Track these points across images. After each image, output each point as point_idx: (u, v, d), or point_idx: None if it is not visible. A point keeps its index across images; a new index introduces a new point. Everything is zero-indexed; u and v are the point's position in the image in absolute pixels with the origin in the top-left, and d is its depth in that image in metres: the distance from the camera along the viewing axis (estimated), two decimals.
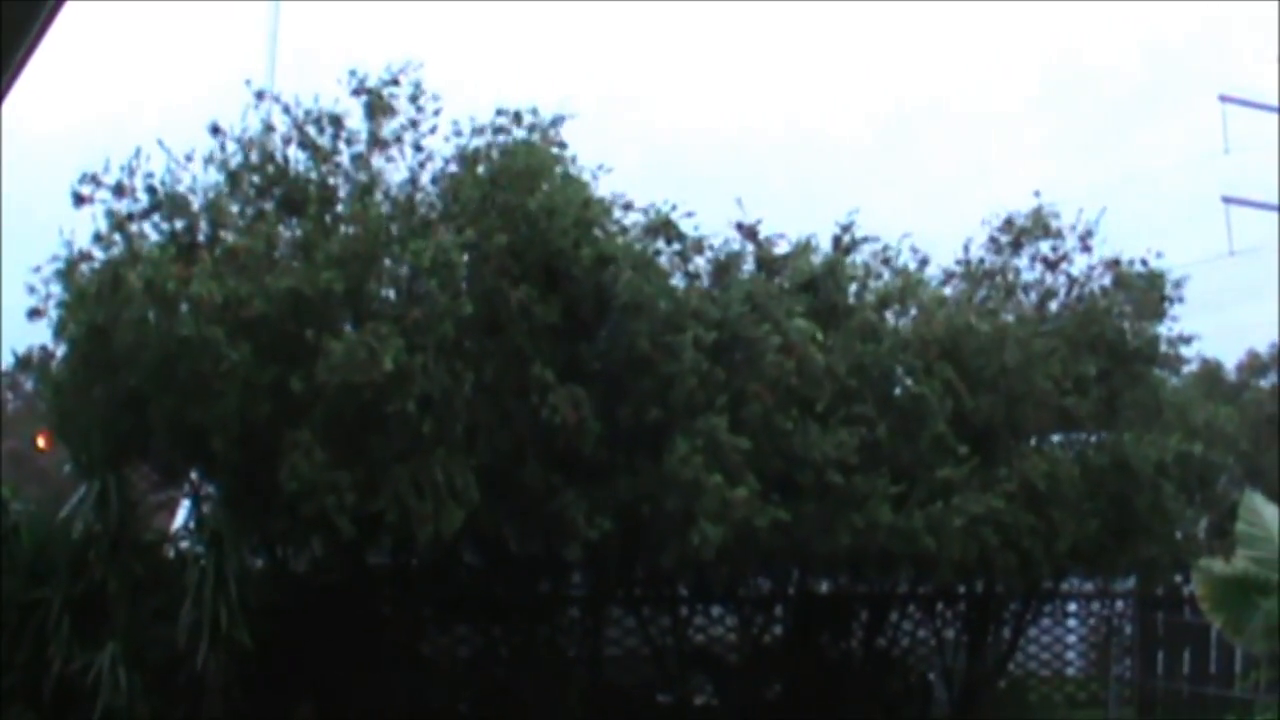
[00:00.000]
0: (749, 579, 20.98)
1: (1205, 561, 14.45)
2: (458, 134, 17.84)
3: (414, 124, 17.68)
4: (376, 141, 17.63)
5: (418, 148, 17.77)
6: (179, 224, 17.25)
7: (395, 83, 17.59)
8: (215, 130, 17.46)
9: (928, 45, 47.77)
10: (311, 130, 17.58)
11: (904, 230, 20.48)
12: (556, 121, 17.78)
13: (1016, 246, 21.33)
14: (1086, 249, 21.25)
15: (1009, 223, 21.31)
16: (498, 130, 17.76)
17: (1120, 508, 20.39)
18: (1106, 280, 21.25)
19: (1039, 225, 21.20)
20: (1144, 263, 21.11)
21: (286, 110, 17.63)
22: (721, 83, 49.61)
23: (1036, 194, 21.27)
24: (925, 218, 24.14)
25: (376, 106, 17.59)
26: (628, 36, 46.57)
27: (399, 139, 17.74)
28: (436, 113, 17.73)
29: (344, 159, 17.69)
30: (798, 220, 19.98)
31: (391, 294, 16.91)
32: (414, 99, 17.65)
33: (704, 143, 46.57)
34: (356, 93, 17.59)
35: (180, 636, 16.23)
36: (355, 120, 17.70)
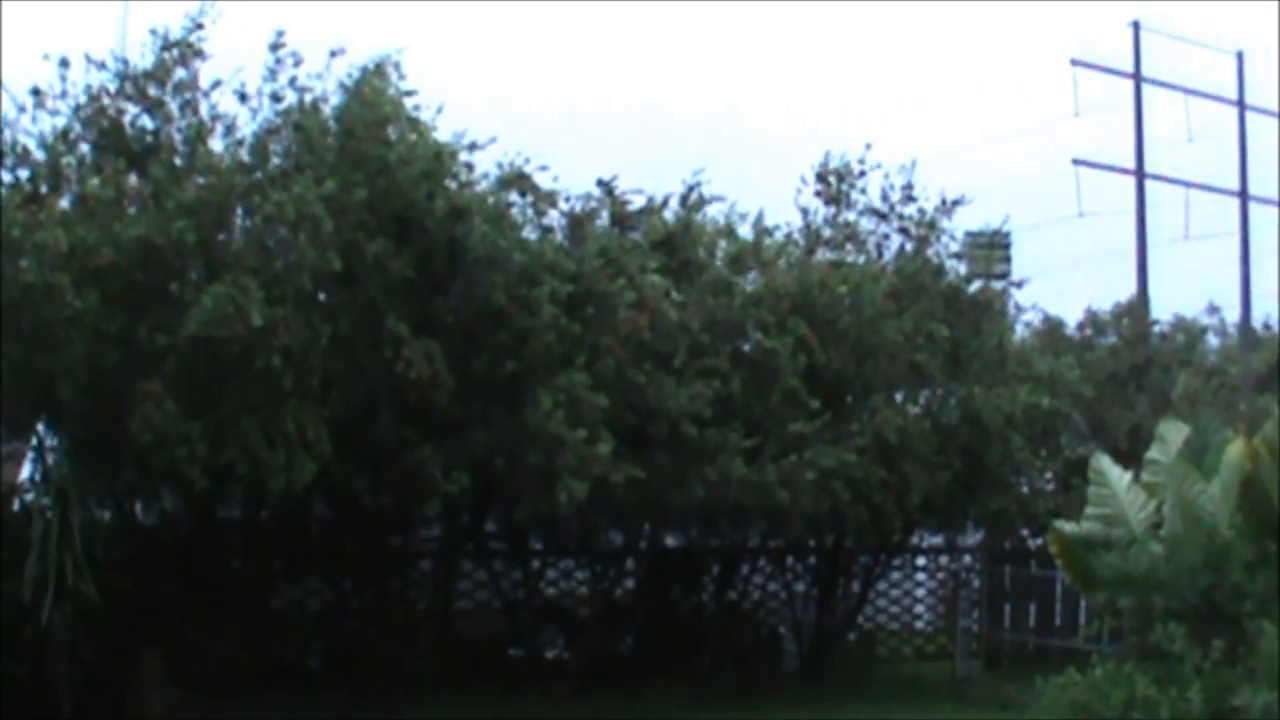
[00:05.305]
0: (601, 532, 21.03)
1: (1059, 522, 15.37)
2: (296, 84, 17.53)
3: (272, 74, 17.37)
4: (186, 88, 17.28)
5: (275, 98, 17.40)
6: (23, 173, 16.86)
7: (200, 27, 17.12)
8: (36, 93, 16.89)
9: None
10: (144, 84, 17.16)
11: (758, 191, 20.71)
12: (384, 62, 17.45)
13: (836, 201, 21.65)
14: (910, 199, 21.69)
15: (823, 171, 21.61)
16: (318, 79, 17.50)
17: (970, 460, 20.79)
18: (944, 235, 21.73)
19: (849, 175, 21.57)
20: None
21: (102, 66, 17.09)
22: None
23: (867, 146, 21.73)
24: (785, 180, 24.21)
25: (186, 54, 17.19)
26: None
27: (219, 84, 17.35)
28: (285, 61, 17.38)
29: (173, 109, 17.30)
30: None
31: (241, 244, 16.59)
32: (274, 48, 17.33)
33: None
34: (165, 48, 17.17)
35: (25, 591, 15.97)
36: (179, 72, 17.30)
